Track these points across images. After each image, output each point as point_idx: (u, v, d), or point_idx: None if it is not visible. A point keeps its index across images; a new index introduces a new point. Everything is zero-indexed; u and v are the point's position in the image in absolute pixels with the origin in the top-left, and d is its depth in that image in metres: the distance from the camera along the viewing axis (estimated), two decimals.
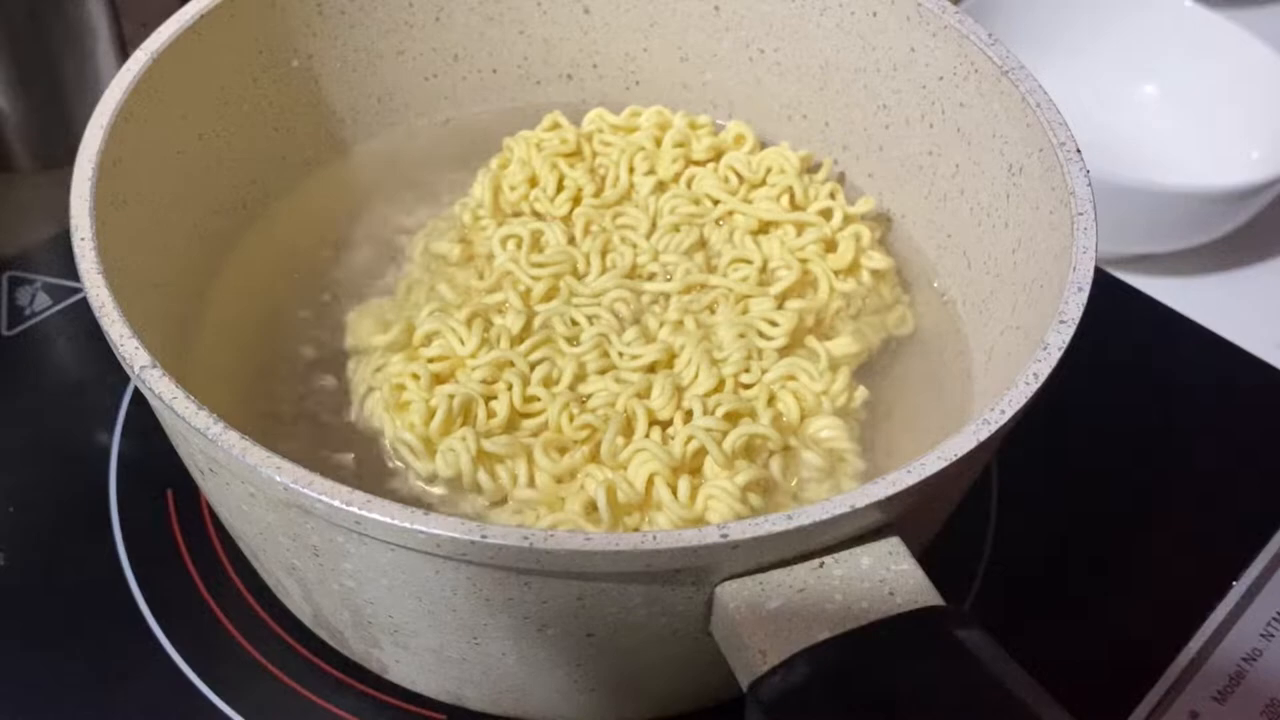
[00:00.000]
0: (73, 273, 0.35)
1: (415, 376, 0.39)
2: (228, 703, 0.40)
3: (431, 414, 0.38)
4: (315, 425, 0.41)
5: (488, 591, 0.31)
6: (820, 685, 0.29)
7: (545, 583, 0.30)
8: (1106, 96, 0.70)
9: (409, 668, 0.38)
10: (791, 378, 0.41)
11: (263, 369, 0.43)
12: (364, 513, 0.29)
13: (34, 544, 0.44)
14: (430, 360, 0.40)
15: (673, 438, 0.38)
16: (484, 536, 0.28)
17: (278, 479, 0.29)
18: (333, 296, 0.45)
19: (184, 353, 0.41)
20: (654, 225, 0.46)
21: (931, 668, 0.29)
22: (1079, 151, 0.38)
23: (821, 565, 0.31)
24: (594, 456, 0.38)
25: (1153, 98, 0.70)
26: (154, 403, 0.32)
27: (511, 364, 0.40)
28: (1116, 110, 0.69)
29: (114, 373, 0.36)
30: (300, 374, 0.43)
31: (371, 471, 0.39)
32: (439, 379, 0.40)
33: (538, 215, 0.46)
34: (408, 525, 0.29)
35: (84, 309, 0.40)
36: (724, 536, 0.29)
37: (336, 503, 0.29)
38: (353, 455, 0.40)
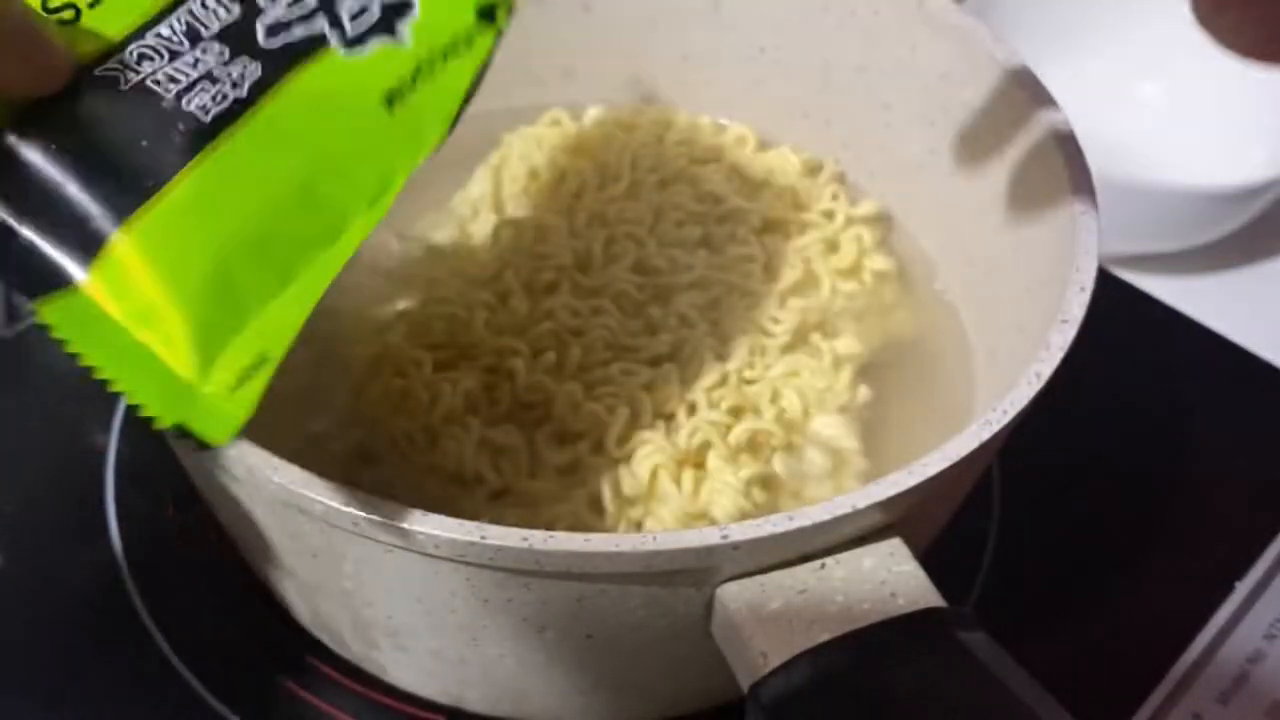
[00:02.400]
0: None
1: (417, 364, 0.39)
2: (226, 704, 0.40)
3: (433, 402, 0.38)
4: (315, 423, 0.41)
5: (487, 593, 0.31)
6: (821, 687, 0.28)
7: (544, 584, 0.30)
8: (1107, 96, 0.69)
9: (408, 669, 0.38)
10: (795, 374, 0.41)
11: None
12: (362, 514, 0.29)
13: (33, 544, 0.44)
14: (432, 347, 0.40)
15: (677, 430, 0.38)
16: (483, 537, 0.28)
17: (275, 479, 0.29)
18: (332, 293, 0.44)
19: None
20: (657, 221, 0.45)
21: (933, 669, 0.29)
22: (1080, 151, 0.38)
23: (823, 566, 0.30)
24: (598, 448, 0.38)
25: (1153, 97, 0.70)
26: None
27: (515, 353, 0.40)
28: (1117, 110, 0.69)
29: None
30: (299, 371, 0.42)
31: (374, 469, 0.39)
32: (441, 367, 0.40)
33: (539, 208, 0.46)
34: (406, 526, 0.28)
35: None
36: (725, 537, 0.29)
37: (334, 504, 0.29)
38: (354, 452, 0.40)
